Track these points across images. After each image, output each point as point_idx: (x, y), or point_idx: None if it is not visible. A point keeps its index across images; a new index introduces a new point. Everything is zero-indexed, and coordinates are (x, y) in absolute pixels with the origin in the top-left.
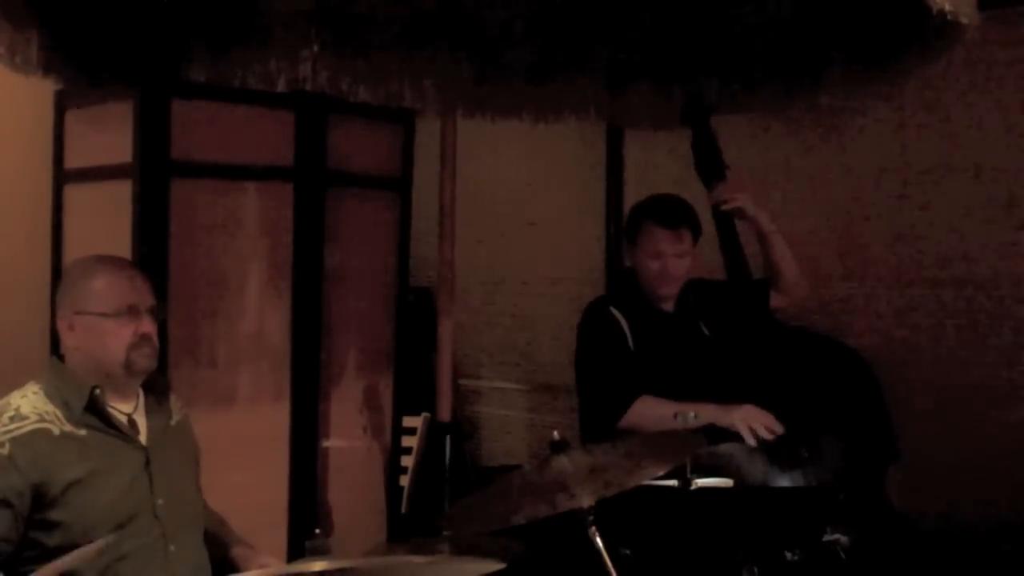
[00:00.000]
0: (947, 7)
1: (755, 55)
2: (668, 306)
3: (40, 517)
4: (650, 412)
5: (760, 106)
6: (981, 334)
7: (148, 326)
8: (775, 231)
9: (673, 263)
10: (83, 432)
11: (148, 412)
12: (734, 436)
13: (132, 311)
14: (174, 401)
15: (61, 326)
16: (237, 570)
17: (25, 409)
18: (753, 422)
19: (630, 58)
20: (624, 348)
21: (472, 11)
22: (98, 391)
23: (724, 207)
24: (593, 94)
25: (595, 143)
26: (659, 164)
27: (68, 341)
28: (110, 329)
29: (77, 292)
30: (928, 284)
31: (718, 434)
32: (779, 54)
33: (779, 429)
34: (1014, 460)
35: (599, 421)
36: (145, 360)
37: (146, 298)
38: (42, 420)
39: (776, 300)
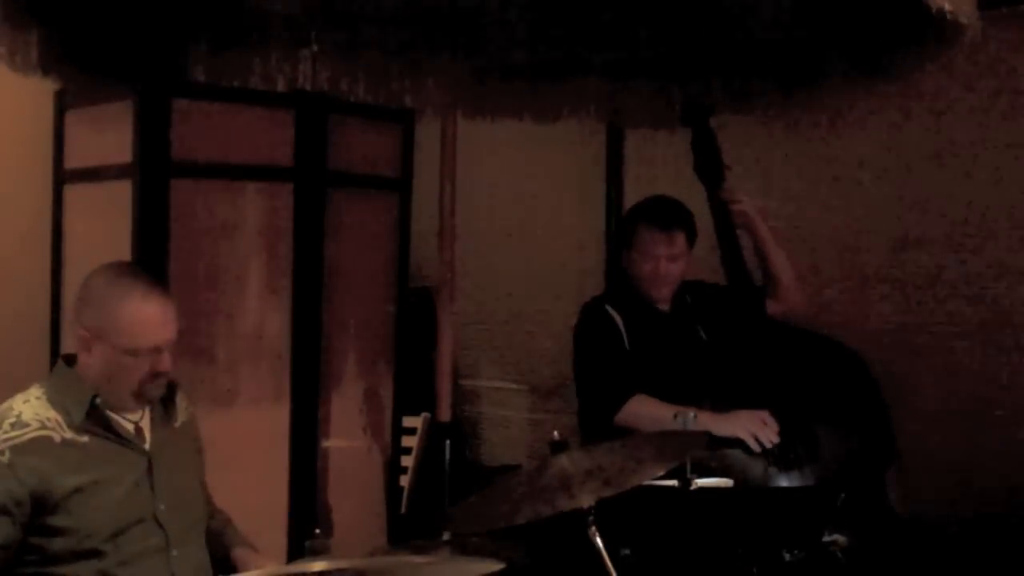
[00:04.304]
0: (947, 7)
1: (755, 55)
2: (664, 307)
3: (41, 523)
4: (645, 411)
5: (760, 106)
6: (981, 334)
7: (166, 363)
8: (770, 236)
9: (666, 266)
10: (85, 439)
11: (154, 417)
12: (733, 442)
13: (156, 351)
14: (181, 401)
15: (79, 341)
16: (237, 571)
17: (27, 415)
18: (756, 429)
19: (630, 58)
20: (620, 346)
21: (472, 11)
22: (99, 400)
23: (733, 206)
24: (593, 94)
25: (595, 144)
26: (659, 164)
27: (82, 356)
28: (129, 364)
29: (103, 316)
30: (928, 285)
31: (716, 441)
32: (779, 54)
33: (775, 437)
34: (1013, 461)
35: (595, 418)
36: (156, 391)
37: (171, 332)
38: (43, 427)
39: (772, 307)
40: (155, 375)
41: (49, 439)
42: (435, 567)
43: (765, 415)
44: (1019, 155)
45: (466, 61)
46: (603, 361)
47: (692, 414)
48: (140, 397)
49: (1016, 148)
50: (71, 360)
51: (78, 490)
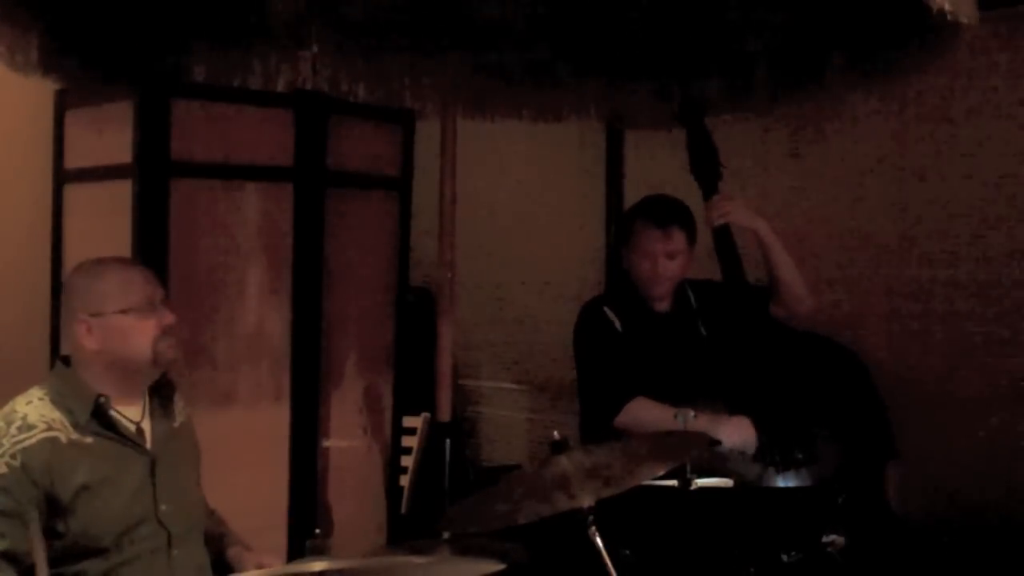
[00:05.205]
0: (947, 7)
1: (754, 55)
2: (663, 306)
3: (50, 525)
4: (644, 414)
5: (759, 106)
6: (981, 335)
7: (169, 316)
8: (775, 240)
9: (664, 263)
10: (90, 439)
11: (153, 417)
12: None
13: (151, 304)
14: (178, 402)
15: (79, 331)
16: (233, 570)
17: (32, 418)
18: (733, 437)
19: (630, 58)
20: (618, 348)
21: (472, 11)
22: (103, 399)
23: (716, 223)
24: (593, 94)
25: (595, 144)
26: (659, 165)
27: (88, 344)
28: (132, 325)
29: (90, 294)
30: (927, 286)
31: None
32: (778, 54)
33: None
34: (1012, 461)
35: (595, 421)
36: (172, 351)
37: (158, 289)
38: (50, 428)
39: (776, 311)
40: (164, 331)
41: (57, 440)
42: (435, 567)
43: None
44: (1020, 156)
45: (466, 61)
46: (601, 365)
47: (692, 413)
48: (157, 360)
49: (1017, 148)
50: (68, 362)
51: (86, 491)
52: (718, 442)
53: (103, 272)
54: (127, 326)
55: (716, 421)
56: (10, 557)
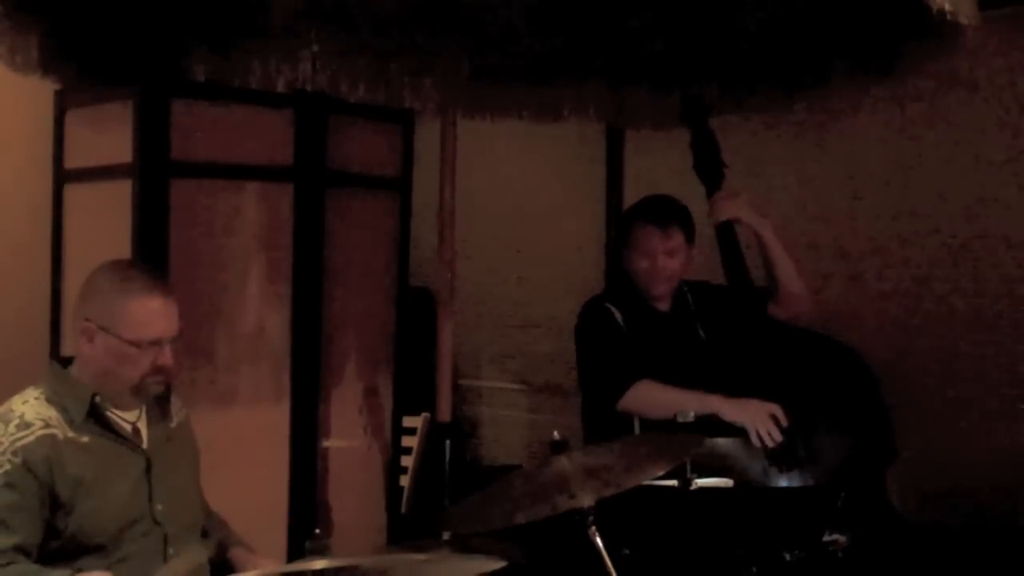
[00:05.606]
0: (947, 7)
1: (755, 55)
2: (663, 306)
3: (52, 523)
4: (651, 395)
5: (760, 106)
6: (982, 335)
7: (168, 358)
8: (776, 241)
9: (663, 261)
10: (85, 438)
11: (150, 417)
12: (735, 431)
13: (157, 344)
14: (175, 403)
15: (80, 330)
16: (235, 571)
17: (29, 416)
18: (762, 426)
19: (630, 58)
20: (621, 336)
21: (472, 11)
22: (98, 398)
23: (717, 219)
24: (593, 94)
25: (595, 143)
26: (659, 164)
27: (83, 348)
28: (131, 356)
29: (107, 306)
30: (927, 285)
31: (718, 427)
32: (779, 54)
33: (779, 437)
34: (1012, 461)
35: (600, 406)
36: (156, 388)
37: (173, 327)
38: (47, 426)
39: (773, 311)
40: (157, 370)
41: (54, 437)
42: (435, 566)
43: (776, 409)
44: (1019, 155)
45: (466, 61)
46: (605, 350)
47: (691, 414)
48: (139, 392)
49: (1016, 148)
50: (65, 363)
51: (82, 488)
52: (729, 430)
53: (130, 295)
54: (126, 354)
55: (734, 403)
56: (23, 550)
